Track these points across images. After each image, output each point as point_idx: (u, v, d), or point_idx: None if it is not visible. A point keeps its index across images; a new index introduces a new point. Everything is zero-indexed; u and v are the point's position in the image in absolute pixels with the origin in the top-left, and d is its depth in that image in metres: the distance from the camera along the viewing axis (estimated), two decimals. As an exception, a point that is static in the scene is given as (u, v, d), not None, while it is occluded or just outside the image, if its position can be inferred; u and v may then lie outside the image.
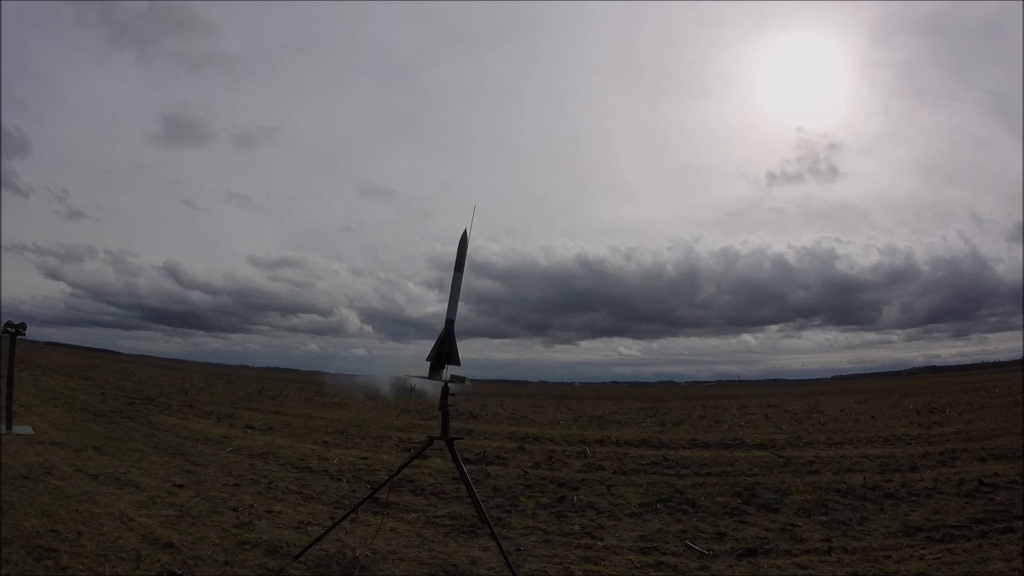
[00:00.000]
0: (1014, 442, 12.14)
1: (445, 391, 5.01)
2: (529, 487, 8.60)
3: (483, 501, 6.42)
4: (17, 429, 10.06)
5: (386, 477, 5.58)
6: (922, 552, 5.51)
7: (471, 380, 5.08)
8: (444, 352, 4.87)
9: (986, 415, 19.31)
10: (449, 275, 5.10)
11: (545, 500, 7.83)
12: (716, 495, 8.10)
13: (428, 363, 4.92)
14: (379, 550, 5.33)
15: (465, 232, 4.99)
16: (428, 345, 5.01)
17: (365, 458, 10.68)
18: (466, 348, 5.13)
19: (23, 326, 10.59)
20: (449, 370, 4.94)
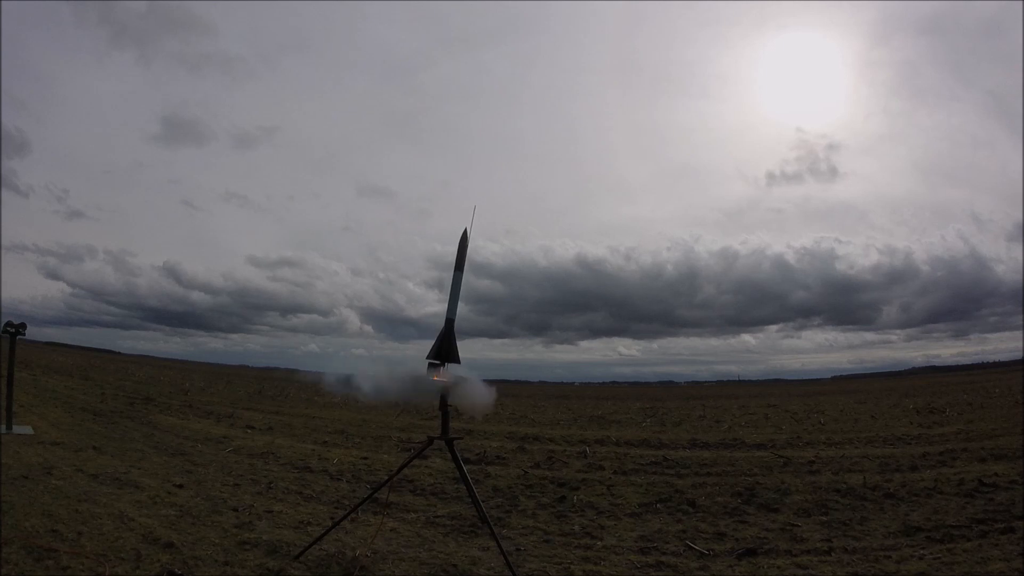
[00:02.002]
0: (1014, 442, 12.14)
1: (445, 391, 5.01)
2: (529, 487, 8.60)
3: (483, 501, 6.42)
4: (17, 429, 10.05)
5: (386, 477, 5.57)
6: (922, 552, 5.51)
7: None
8: (444, 350, 4.86)
9: (986, 415, 19.31)
10: (449, 275, 5.09)
11: (545, 500, 7.83)
12: (716, 495, 8.10)
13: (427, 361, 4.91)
14: (379, 550, 5.33)
15: (465, 231, 4.98)
16: (428, 345, 5.01)
17: (365, 458, 10.68)
18: (466, 348, 5.12)
19: (23, 326, 10.59)
20: (450, 369, 4.94)
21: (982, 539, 5.85)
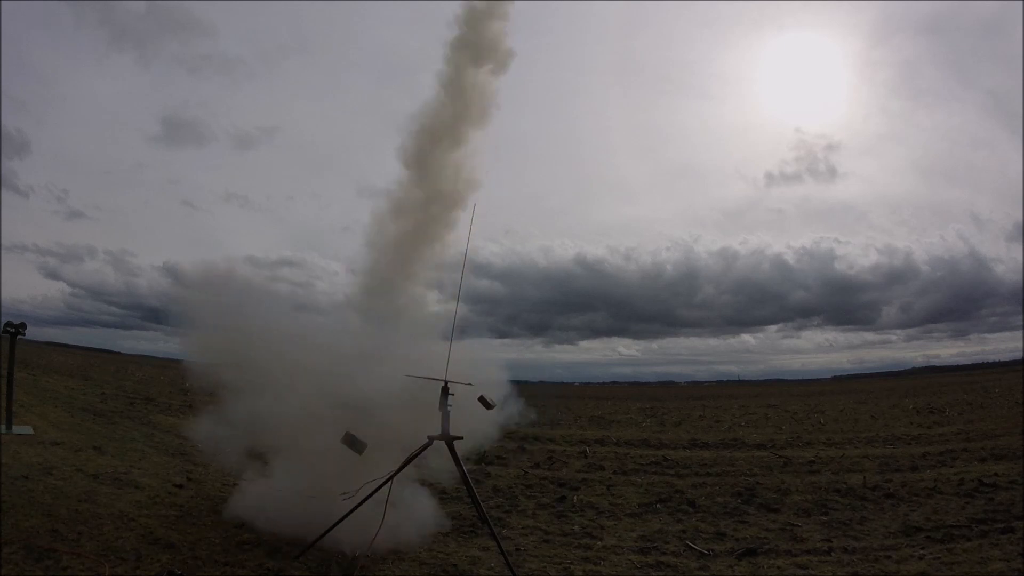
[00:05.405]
0: (1014, 442, 12.14)
1: (445, 391, 5.04)
2: (529, 487, 8.60)
3: (483, 501, 6.41)
4: (17, 429, 10.03)
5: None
6: (922, 552, 5.52)
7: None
8: None
9: (986, 415, 19.32)
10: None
11: (545, 500, 7.83)
12: (716, 495, 8.10)
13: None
14: (379, 550, 5.32)
15: None
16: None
17: (365, 458, 10.67)
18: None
19: (23, 326, 10.56)
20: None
21: (982, 539, 5.85)
